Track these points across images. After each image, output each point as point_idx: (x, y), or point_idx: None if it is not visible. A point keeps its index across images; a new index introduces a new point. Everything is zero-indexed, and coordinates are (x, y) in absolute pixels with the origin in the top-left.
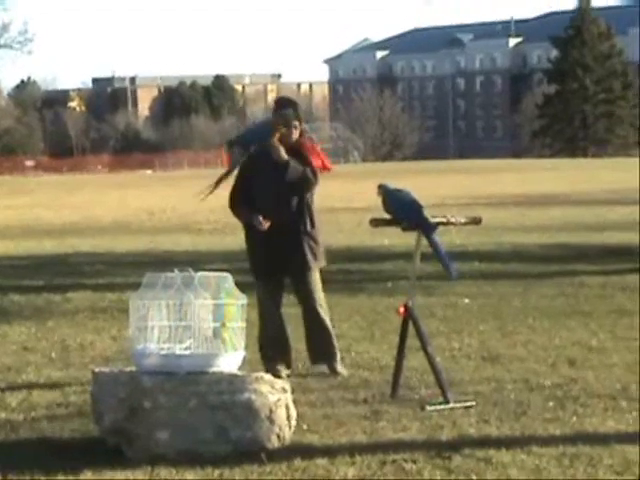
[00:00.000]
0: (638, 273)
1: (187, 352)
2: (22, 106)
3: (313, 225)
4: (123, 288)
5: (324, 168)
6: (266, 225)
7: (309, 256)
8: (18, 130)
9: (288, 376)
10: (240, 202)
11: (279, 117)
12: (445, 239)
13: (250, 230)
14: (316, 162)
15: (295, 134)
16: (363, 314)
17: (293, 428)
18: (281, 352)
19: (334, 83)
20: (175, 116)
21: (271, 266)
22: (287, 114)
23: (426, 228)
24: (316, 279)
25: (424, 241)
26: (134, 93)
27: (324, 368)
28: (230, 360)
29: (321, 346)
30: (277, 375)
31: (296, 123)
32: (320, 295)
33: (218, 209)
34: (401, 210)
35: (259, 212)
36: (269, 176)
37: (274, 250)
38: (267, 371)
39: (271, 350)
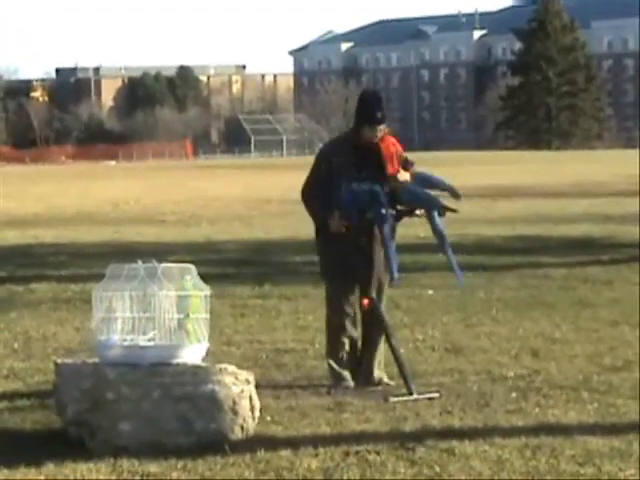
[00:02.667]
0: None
1: (151, 343)
2: None
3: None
4: (86, 279)
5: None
6: (341, 228)
7: (382, 268)
8: None
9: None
10: (316, 197)
11: (368, 132)
12: (410, 231)
13: (324, 228)
14: (390, 169)
15: (378, 137)
16: None
17: (257, 419)
18: (349, 361)
19: (299, 75)
20: (139, 107)
21: (343, 270)
22: (377, 130)
23: (378, 220)
24: (384, 293)
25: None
26: (98, 84)
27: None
28: (194, 351)
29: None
30: (343, 384)
31: (382, 127)
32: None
33: (182, 201)
34: (350, 201)
35: (337, 211)
36: (355, 175)
37: (348, 254)
38: (334, 381)
39: (339, 360)
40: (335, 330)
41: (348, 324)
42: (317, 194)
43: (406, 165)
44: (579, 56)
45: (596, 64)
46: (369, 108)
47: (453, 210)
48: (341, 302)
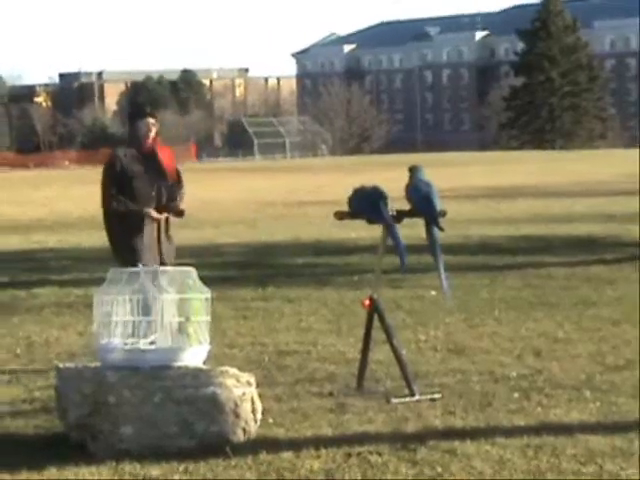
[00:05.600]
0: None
1: (152, 347)
2: None
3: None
4: (89, 283)
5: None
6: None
7: (171, 258)
8: None
9: None
10: (122, 200)
11: (142, 126)
12: (412, 232)
13: (126, 226)
14: (169, 171)
15: (153, 131)
16: (330, 307)
17: (259, 422)
18: None
19: (302, 77)
20: None
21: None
22: (148, 123)
23: (382, 221)
24: None
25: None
26: (101, 88)
27: None
28: (195, 354)
29: None
30: None
31: (152, 120)
32: None
33: (185, 204)
34: (358, 203)
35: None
36: (146, 177)
37: (145, 248)
38: None
39: None
40: None
41: None
42: (120, 197)
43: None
44: (581, 56)
45: (599, 64)
46: (136, 107)
47: (441, 228)
48: None
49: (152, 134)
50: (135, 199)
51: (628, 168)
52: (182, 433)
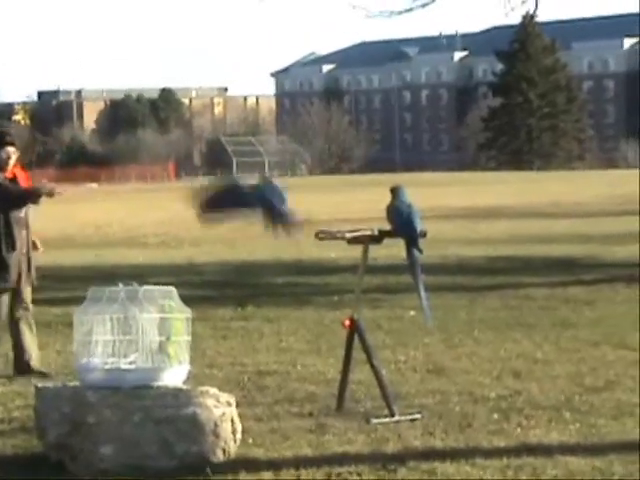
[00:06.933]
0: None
1: (132, 366)
2: None
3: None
4: (68, 302)
5: None
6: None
7: (34, 271)
8: None
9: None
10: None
11: (2, 154)
12: (393, 252)
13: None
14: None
15: (13, 158)
16: (309, 327)
17: (238, 442)
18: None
19: (281, 96)
20: (121, 129)
21: (13, 276)
22: (8, 151)
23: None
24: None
25: (370, 254)
26: (80, 106)
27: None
28: (175, 374)
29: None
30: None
31: (12, 149)
32: None
33: (164, 223)
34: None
35: (14, 224)
36: None
37: (18, 263)
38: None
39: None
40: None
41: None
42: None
43: None
44: (560, 77)
45: (577, 85)
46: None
47: (420, 250)
48: (5, 306)
49: (12, 162)
50: (7, 221)
51: (606, 189)
52: (162, 453)
